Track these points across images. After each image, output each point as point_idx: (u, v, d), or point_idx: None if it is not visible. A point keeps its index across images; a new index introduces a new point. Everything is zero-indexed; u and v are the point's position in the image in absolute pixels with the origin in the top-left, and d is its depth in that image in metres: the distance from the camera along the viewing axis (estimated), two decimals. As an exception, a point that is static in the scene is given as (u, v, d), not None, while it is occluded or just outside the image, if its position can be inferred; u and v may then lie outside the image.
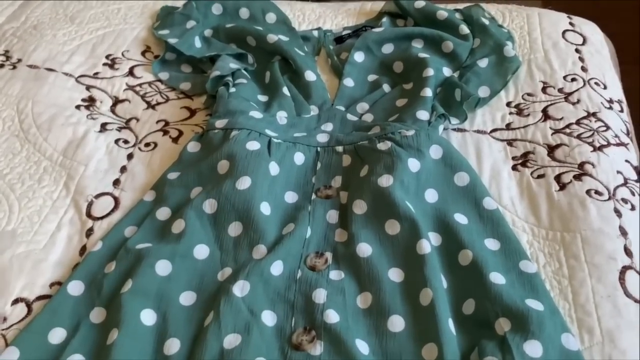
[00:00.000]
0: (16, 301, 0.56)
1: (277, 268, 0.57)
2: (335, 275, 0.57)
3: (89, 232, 0.63)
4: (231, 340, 0.51)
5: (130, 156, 0.72)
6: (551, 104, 0.76)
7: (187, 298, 0.56)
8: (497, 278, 0.55)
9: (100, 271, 0.58)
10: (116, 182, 0.69)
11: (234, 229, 0.60)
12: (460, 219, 0.61)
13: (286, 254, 0.58)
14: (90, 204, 0.66)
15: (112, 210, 0.65)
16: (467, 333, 0.53)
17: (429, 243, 0.58)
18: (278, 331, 0.53)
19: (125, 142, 0.74)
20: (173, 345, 0.52)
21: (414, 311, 0.54)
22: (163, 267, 0.57)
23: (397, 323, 0.53)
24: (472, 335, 0.53)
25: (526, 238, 0.62)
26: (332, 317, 0.53)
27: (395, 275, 0.57)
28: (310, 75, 0.79)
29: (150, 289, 0.55)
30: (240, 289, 0.55)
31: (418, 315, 0.54)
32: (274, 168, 0.65)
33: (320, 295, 0.55)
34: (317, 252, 0.59)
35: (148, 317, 0.53)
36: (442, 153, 0.66)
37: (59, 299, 0.56)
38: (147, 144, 0.73)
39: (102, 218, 0.64)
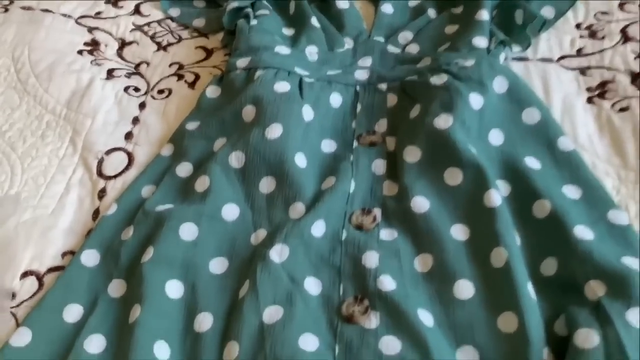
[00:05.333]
0: (25, 274, 0.50)
1: (318, 228, 0.49)
2: (386, 234, 0.49)
3: (102, 194, 0.56)
4: (272, 313, 0.44)
5: (142, 105, 0.63)
6: (631, 23, 0.64)
7: (217, 265, 0.48)
8: (583, 232, 0.46)
9: (116, 238, 0.51)
10: (128, 136, 0.61)
11: (266, 184, 0.52)
12: (532, 163, 0.52)
13: (328, 212, 0.50)
14: (100, 162, 0.58)
15: (126, 168, 0.58)
16: (548, 298, 0.45)
17: (499, 194, 0.49)
18: (325, 301, 0.46)
19: (136, 89, 0.65)
20: (205, 321, 0.45)
21: (485, 274, 0.46)
22: (188, 231, 0.49)
23: (465, 289, 0.45)
24: (554, 301, 0.44)
25: (611, 183, 0.52)
26: (387, 283, 0.46)
27: (459, 232, 0.48)
28: (341, 3, 0.67)
29: (174, 256, 0.48)
30: (278, 253, 0.47)
31: (490, 279, 0.45)
32: (307, 112, 0.56)
33: (371, 259, 0.47)
34: (364, 208, 0.51)
35: (174, 289, 0.46)
36: (507, 86, 0.56)
37: (72, 271, 0.49)
38: (160, 91, 0.65)
39: (115, 177, 0.57)
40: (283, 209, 0.51)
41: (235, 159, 0.53)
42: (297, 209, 0.51)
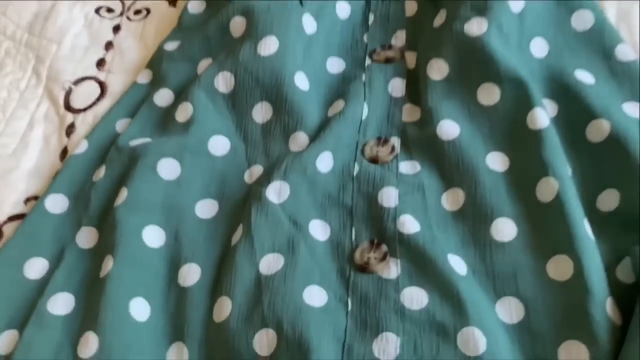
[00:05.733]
0: (-18, 224, 0.43)
1: (325, 162, 0.41)
2: (407, 167, 0.41)
3: (70, 130, 0.48)
4: (270, 263, 0.36)
5: (116, 28, 0.54)
6: None
7: (205, 208, 0.41)
8: (651, 157, 0.37)
9: (87, 180, 0.43)
10: (100, 63, 0.52)
11: (261, 111, 0.44)
12: (585, 77, 0.43)
13: (336, 143, 0.42)
14: (68, 93, 0.50)
15: (98, 99, 0.49)
16: (608, 238, 0.37)
17: (546, 113, 0.40)
18: (334, 247, 0.38)
19: (109, 10, 0.56)
20: (191, 274, 0.38)
21: (530, 211, 0.38)
22: (168, 168, 0.41)
23: (505, 229, 0.37)
24: (615, 241, 0.37)
25: (681, 99, 0.43)
26: (410, 225, 0.38)
27: (496, 162, 0.40)
28: None
29: (153, 198, 0.40)
30: (276, 192, 0.39)
31: (536, 216, 0.37)
32: (309, 23, 0.46)
33: (389, 196, 0.39)
34: (379, 137, 0.42)
35: (153, 236, 0.39)
36: (553, -17, 0.45)
37: (35, 219, 0.41)
38: (137, 11, 0.56)
39: (85, 110, 0.49)
40: (282, 141, 0.43)
41: (223, 82, 0.44)
42: (299, 139, 0.42)
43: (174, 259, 0.39)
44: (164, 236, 0.39)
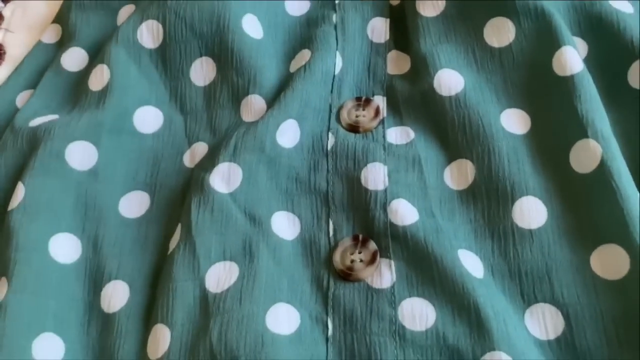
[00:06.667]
0: None
1: (288, 134, 0.31)
2: (397, 135, 0.32)
3: (-45, 108, 0.37)
4: (220, 276, 0.27)
5: (17, -25, 0.43)
6: None
7: (132, 204, 0.31)
8: None
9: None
10: None
11: (202, 70, 0.34)
12: (621, 4, 0.34)
13: (302, 108, 0.32)
14: (-47, 61, 0.39)
15: (-7, 67, 0.39)
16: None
17: (577, 53, 0.31)
18: (306, 248, 0.29)
19: (8, -48, 0.44)
20: (117, 294, 0.29)
21: (564, 185, 0.29)
22: (81, 155, 0.31)
23: (532, 211, 0.28)
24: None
25: None
26: (405, 212, 0.29)
27: (514, 121, 0.31)
28: None
29: (61, 197, 0.30)
30: (224, 178, 0.30)
31: (573, 192, 0.28)
32: (259, -49, 0.36)
33: (376, 175, 0.30)
34: (359, 97, 0.33)
35: (65, 248, 0.29)
36: None
37: None
38: (43, -48, 0.44)
39: (-25, 81, 0.38)
40: (231, 108, 0.33)
41: (148, 34, 0.34)
42: (253, 105, 0.33)
43: (94, 277, 0.29)
44: (79, 247, 0.29)
